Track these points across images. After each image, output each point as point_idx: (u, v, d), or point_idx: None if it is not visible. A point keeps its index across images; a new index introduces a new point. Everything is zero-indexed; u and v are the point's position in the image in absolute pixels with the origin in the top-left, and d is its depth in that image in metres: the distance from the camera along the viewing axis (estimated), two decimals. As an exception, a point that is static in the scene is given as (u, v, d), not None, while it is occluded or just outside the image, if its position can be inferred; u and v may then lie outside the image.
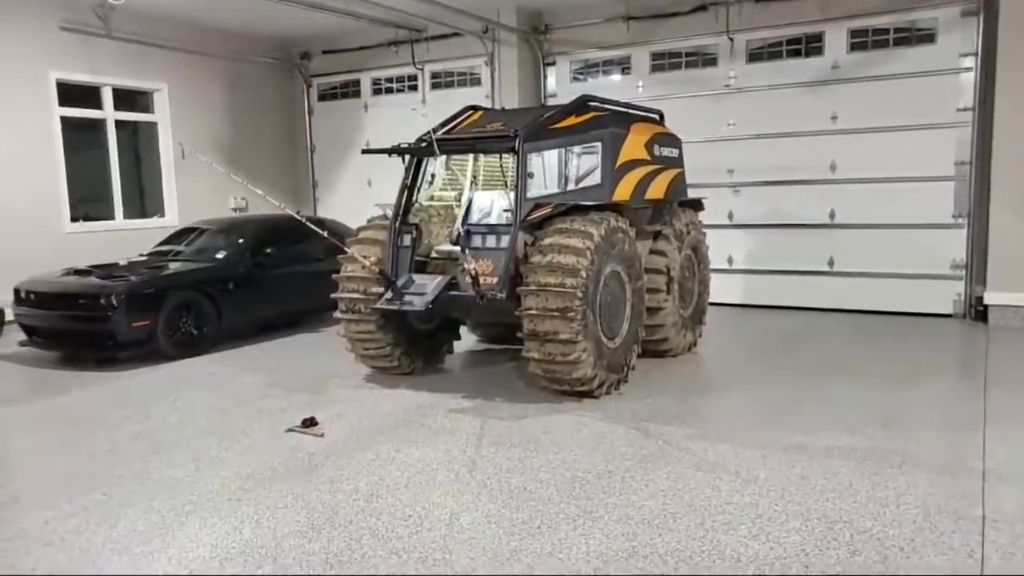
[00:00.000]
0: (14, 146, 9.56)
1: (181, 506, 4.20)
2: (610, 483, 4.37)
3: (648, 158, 7.29)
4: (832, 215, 9.84)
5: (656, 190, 7.35)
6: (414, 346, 6.88)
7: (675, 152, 7.88)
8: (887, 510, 3.95)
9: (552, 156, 6.72)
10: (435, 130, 6.77)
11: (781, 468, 4.53)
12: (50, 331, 7.81)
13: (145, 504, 4.24)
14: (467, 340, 8.04)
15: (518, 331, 5.86)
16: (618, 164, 6.78)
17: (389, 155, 6.51)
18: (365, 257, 6.41)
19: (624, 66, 10.89)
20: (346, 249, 6.29)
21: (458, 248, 6.09)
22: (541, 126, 6.41)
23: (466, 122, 7.10)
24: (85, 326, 7.57)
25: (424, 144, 6.49)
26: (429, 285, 6.13)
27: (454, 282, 6.15)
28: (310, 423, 5.49)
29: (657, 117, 8.02)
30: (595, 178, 6.66)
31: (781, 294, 10.20)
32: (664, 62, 10.59)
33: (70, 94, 10.15)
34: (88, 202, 10.67)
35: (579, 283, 5.63)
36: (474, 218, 6.95)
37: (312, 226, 6.32)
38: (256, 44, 12.42)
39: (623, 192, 6.77)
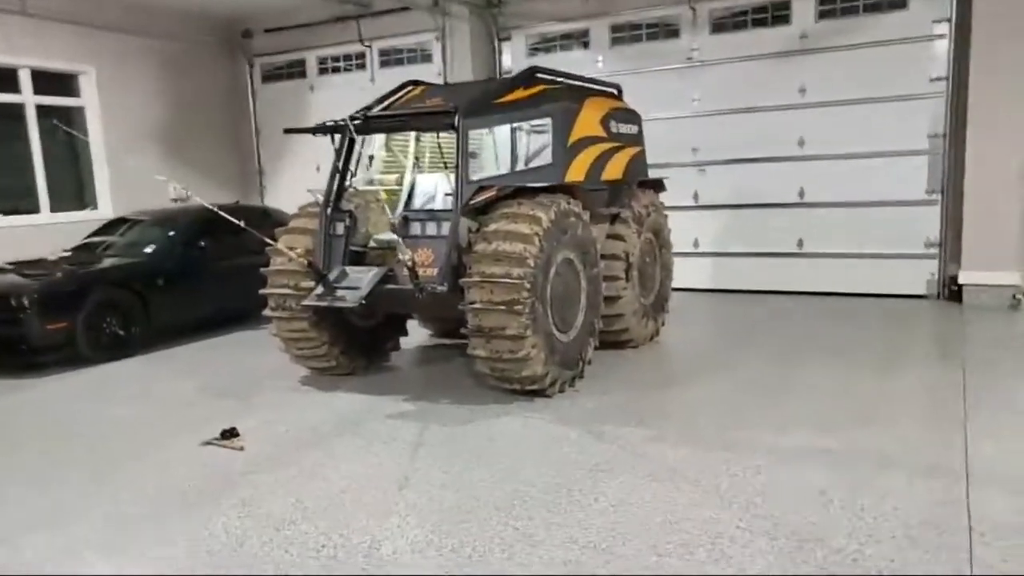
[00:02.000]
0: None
1: (60, 542, 3.65)
2: (556, 498, 3.88)
3: (604, 135, 6.78)
4: (801, 193, 9.42)
5: (613, 170, 6.85)
6: (354, 344, 6.33)
7: (634, 129, 7.38)
8: (864, 523, 3.50)
9: (497, 134, 6.20)
10: (370, 107, 6.20)
11: (746, 475, 4.07)
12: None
13: (14, 541, 3.68)
14: (419, 335, 7.52)
15: (461, 327, 5.35)
16: (571, 142, 6.26)
17: (313, 134, 5.93)
18: (292, 248, 5.85)
19: (583, 40, 10.34)
20: (269, 241, 5.68)
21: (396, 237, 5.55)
22: (484, 101, 5.86)
23: (406, 98, 6.53)
24: (-2, 330, 6.93)
25: (354, 122, 5.91)
26: (364, 278, 5.58)
27: (391, 274, 5.61)
28: (230, 434, 4.94)
29: (615, 92, 7.51)
30: (545, 157, 6.14)
31: (749, 277, 9.78)
32: (625, 35, 10.07)
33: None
34: (10, 196, 9.94)
35: (527, 273, 5.12)
36: (417, 203, 6.40)
37: (228, 216, 5.72)
38: (193, 22, 11.67)
39: (576, 172, 6.26)
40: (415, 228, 5.59)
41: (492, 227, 5.32)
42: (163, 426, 5.33)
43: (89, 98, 10.52)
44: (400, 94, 6.59)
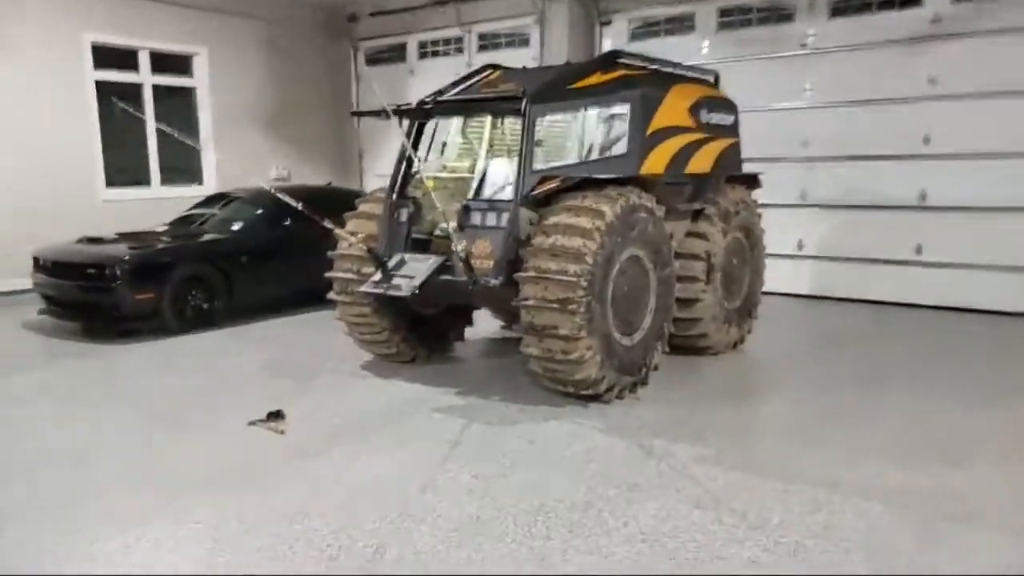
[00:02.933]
0: (48, 111, 9.39)
1: (78, 518, 3.68)
2: (582, 518, 3.58)
3: (692, 125, 6.31)
4: (923, 196, 8.55)
5: (700, 163, 6.37)
6: (416, 332, 6.21)
7: (729, 119, 6.84)
8: (930, 584, 3.02)
9: (568, 121, 5.87)
10: (442, 91, 6.02)
11: (802, 512, 3.63)
12: (62, 300, 7.55)
13: (36, 516, 3.74)
14: (490, 325, 7.33)
15: (510, 326, 5.10)
16: (650, 131, 5.84)
17: (379, 117, 5.80)
18: (353, 234, 5.76)
19: (688, 24, 9.78)
20: (329, 225, 5.58)
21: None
22: (556, 85, 5.56)
23: (483, 82, 6.30)
24: (91, 296, 7.25)
25: (426, 106, 5.75)
26: (421, 267, 5.42)
27: (449, 264, 5.42)
28: (275, 417, 4.91)
29: (711, 79, 7.00)
30: (620, 147, 5.76)
31: (858, 285, 8.99)
32: (733, 19, 9.44)
33: (106, 57, 9.90)
34: (126, 169, 10.48)
35: (584, 270, 4.80)
36: (486, 192, 6.17)
37: (286, 198, 5.68)
38: (300, 6, 11.93)
39: (654, 164, 5.84)
40: (475, 218, 5.37)
41: (552, 220, 5.03)
42: (218, 402, 5.38)
43: (200, 78, 10.93)
44: (477, 78, 6.37)
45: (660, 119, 5.96)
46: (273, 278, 8.20)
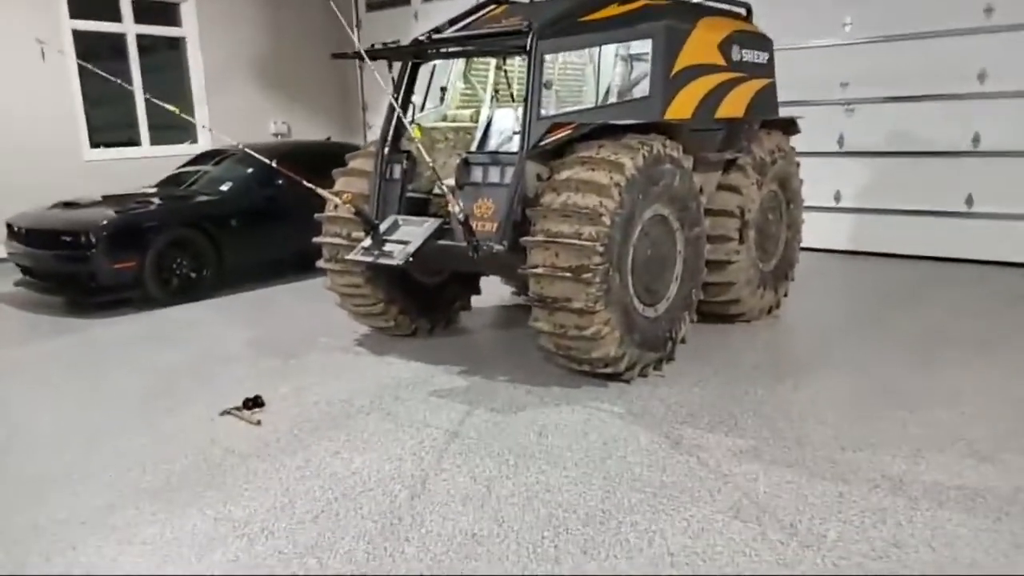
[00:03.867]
0: (20, 65, 8.74)
1: (11, 533, 3.15)
2: (598, 533, 2.99)
3: (722, 64, 5.54)
4: (976, 139, 7.74)
5: (732, 106, 5.62)
6: (416, 303, 5.60)
7: (763, 57, 6.05)
8: (1035, 627, 2.41)
9: (580, 59, 5.16)
10: (439, 29, 5.31)
11: (863, 524, 3.01)
12: (37, 271, 7.02)
13: (-25, 525, 3.22)
14: (500, 291, 6.72)
15: (522, 294, 4.48)
16: (676, 71, 5.09)
17: (360, 60, 5.10)
18: (339, 194, 5.14)
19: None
20: (309, 185, 4.89)
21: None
22: (567, 18, 4.83)
23: (485, 18, 5.58)
24: (66, 266, 6.71)
25: (417, 45, 5.05)
26: (416, 232, 4.79)
27: (448, 227, 4.78)
28: (252, 404, 4.35)
29: (743, 12, 6.21)
30: (642, 89, 5.03)
31: (901, 240, 8.25)
32: (765, -53, 8.53)
33: (85, 5, 9.22)
34: (112, 128, 9.88)
35: (601, 233, 4.14)
36: (491, 143, 5.51)
37: (260, 157, 5.03)
38: (297, -53, 11.13)
39: (681, 108, 5.11)
40: (476, 174, 4.70)
41: (563, 175, 4.36)
42: (192, 384, 4.83)
43: (189, 27, 10.23)
44: (479, 14, 5.64)
45: (687, 56, 5.19)
46: (266, 242, 7.61)
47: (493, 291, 6.44)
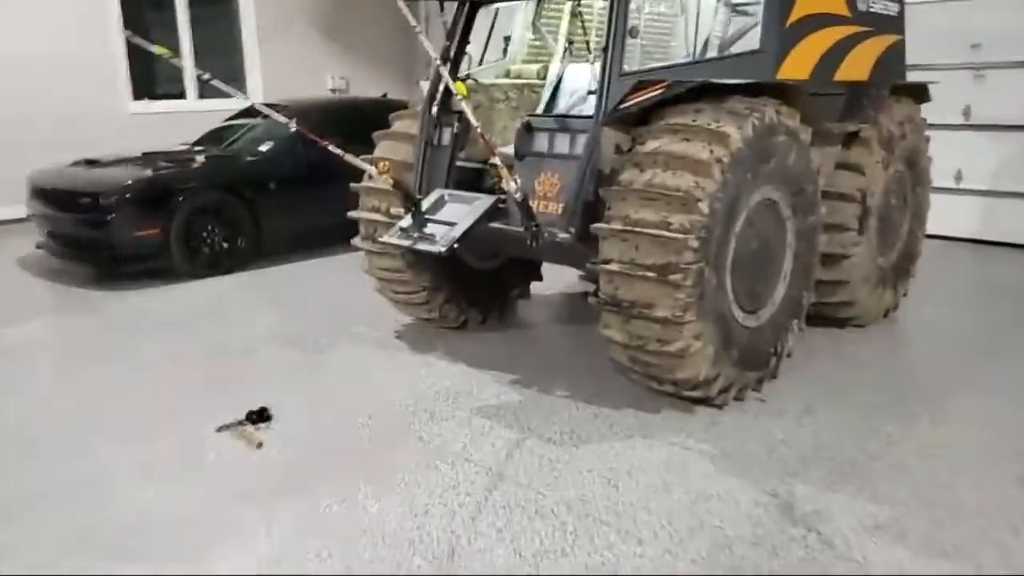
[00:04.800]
0: (64, 14, 8.15)
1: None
2: (690, 656, 2.14)
3: (846, 14, 4.48)
4: None
5: (856, 67, 4.57)
6: (466, 290, 4.79)
7: (893, 8, 4.94)
8: None
9: (679, 5, 4.18)
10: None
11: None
12: (58, 234, 6.43)
13: None
14: (566, 275, 5.84)
15: (591, 293, 3.62)
16: (792, 20, 4.07)
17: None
18: (376, 162, 4.33)
19: None
20: (335, 151, 4.02)
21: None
22: (660, -50, 3.86)
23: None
24: (85, 232, 6.10)
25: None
26: (464, 211, 3.94)
27: (504, 206, 3.91)
28: (258, 418, 3.62)
29: (869, -49, 5.09)
30: (750, 42, 4.03)
31: (1037, 229, 7.05)
32: None
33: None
34: (160, 81, 9.28)
35: (695, 223, 3.23)
36: (560, 105, 4.64)
37: (276, 116, 4.24)
38: None
39: (798, 66, 4.10)
40: (540, 141, 3.81)
41: (649, 146, 3.44)
42: (196, 384, 4.14)
43: (239, -28, 9.50)
44: (551, -51, 4.71)
45: (805, 3, 4.16)
46: (310, 209, 6.79)
47: (557, 275, 5.56)
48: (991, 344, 4.61)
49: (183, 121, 8.82)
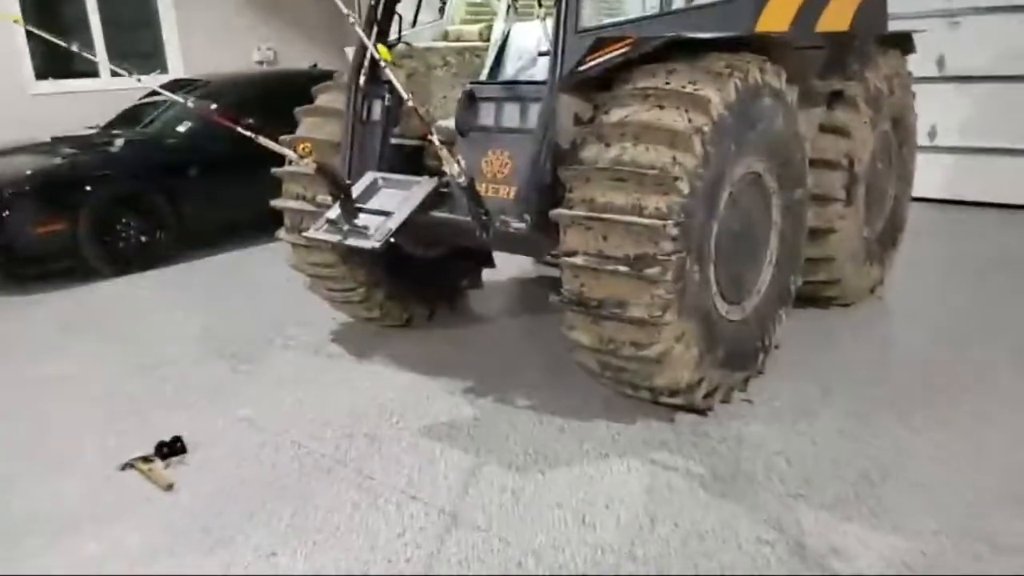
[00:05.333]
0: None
1: None
2: None
3: (826, -44, 3.99)
4: (1120, 60, 6.11)
5: (837, 15, 4.06)
6: (409, 283, 4.24)
7: (873, -50, 4.46)
8: None
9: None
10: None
11: None
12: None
13: None
14: (521, 261, 5.31)
15: (555, 293, 3.11)
16: (770, -38, 3.56)
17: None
18: (295, 146, 3.74)
19: None
20: (244, 132, 3.40)
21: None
22: None
23: None
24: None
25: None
26: (401, 198, 3.38)
27: (447, 190, 3.36)
28: (167, 452, 3.05)
29: None
30: (724, -11, 3.51)
31: (1017, 187, 6.70)
32: None
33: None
34: (67, 57, 8.40)
35: (674, 206, 2.72)
36: (508, 69, 4.08)
37: (168, 95, 3.61)
38: None
39: (776, 16, 3.58)
40: (486, 113, 3.26)
41: (615, 116, 2.91)
42: (103, 409, 3.54)
43: (151, -68, 8.62)
44: None
45: (783, -57, 3.65)
46: (240, 196, 6.11)
47: (510, 259, 5.03)
48: (986, 321, 4.21)
49: (98, 101, 8.02)
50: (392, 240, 3.21)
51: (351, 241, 3.27)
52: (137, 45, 8.93)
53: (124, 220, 5.67)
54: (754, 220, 3.29)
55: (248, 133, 3.33)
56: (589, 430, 3.14)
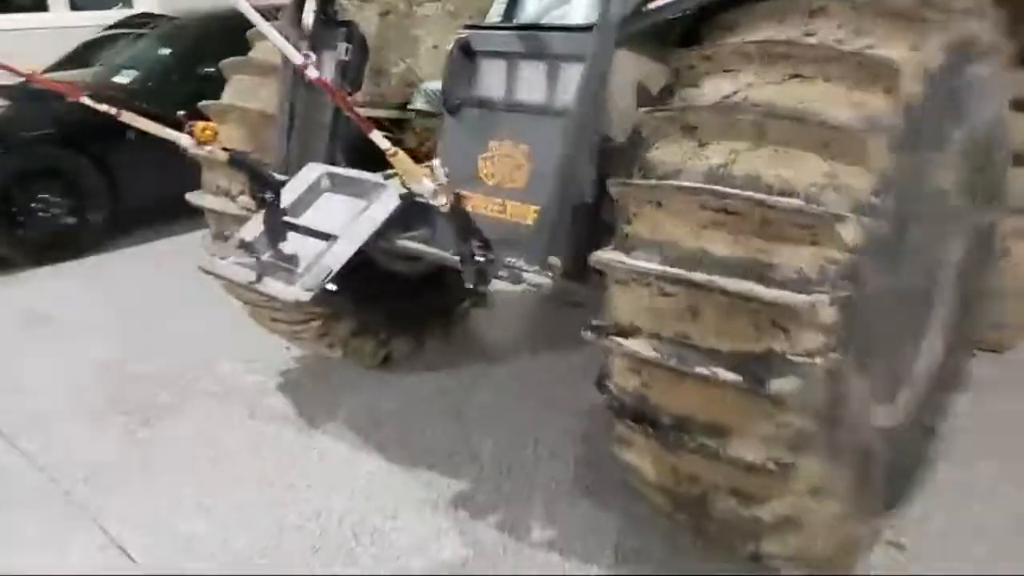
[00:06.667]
0: None
1: None
2: None
3: None
4: None
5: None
6: (387, 311, 3.02)
7: None
8: None
9: None
10: None
11: None
12: None
13: None
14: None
15: (598, 383, 1.85)
16: None
17: None
18: (195, 125, 2.45)
19: None
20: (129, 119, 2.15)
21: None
22: None
23: None
24: None
25: None
26: (353, 210, 2.11)
27: (421, 202, 2.08)
28: None
29: None
30: None
31: None
32: None
33: None
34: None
35: (832, 269, 1.44)
36: (529, 9, 2.74)
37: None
38: None
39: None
40: (490, 78, 1.98)
41: (713, 90, 1.61)
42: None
43: None
44: None
45: None
46: (183, 165, 4.94)
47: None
48: None
49: (49, 40, 6.76)
50: (331, 288, 1.96)
51: (266, 286, 2.02)
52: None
53: (42, 196, 4.48)
54: (922, 265, 2.00)
55: (129, 114, 2.08)
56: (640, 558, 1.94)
